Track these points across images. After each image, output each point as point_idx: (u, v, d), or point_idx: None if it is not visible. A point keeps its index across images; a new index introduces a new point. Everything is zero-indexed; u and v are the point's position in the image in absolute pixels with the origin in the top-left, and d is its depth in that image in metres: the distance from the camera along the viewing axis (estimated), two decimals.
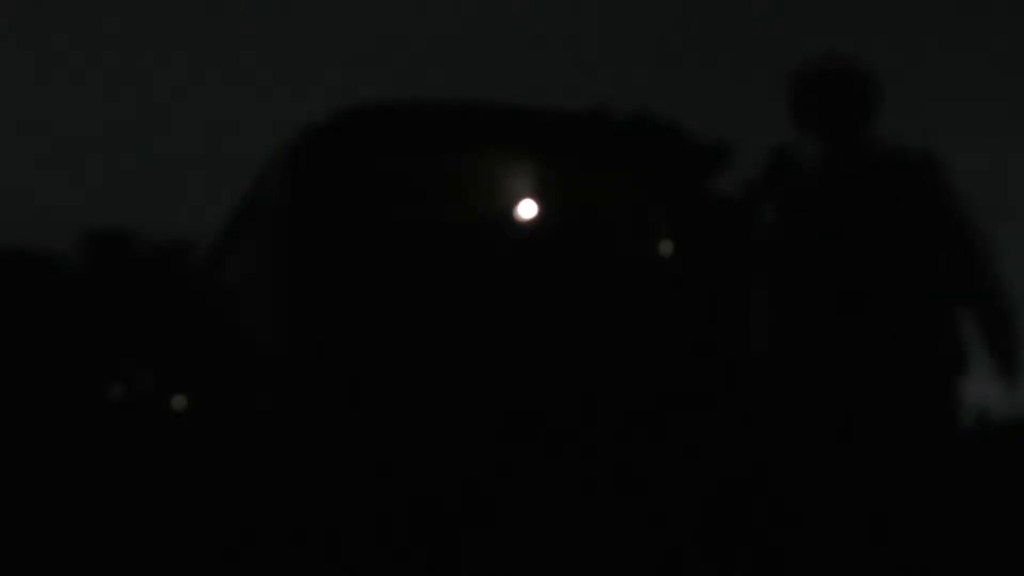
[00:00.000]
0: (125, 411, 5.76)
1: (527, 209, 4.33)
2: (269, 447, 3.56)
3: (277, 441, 3.50)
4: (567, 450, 3.32)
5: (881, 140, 3.91)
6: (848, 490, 3.63)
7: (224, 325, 4.41)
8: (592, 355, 3.53)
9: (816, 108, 3.85)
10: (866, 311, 3.72)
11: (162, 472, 4.47)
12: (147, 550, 4.25)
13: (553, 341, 3.58)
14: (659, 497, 3.32)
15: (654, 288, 3.59)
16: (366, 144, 3.96)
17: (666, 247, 3.95)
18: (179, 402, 4.86)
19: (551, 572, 3.21)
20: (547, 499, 3.25)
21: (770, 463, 3.61)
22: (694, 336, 3.68)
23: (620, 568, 3.24)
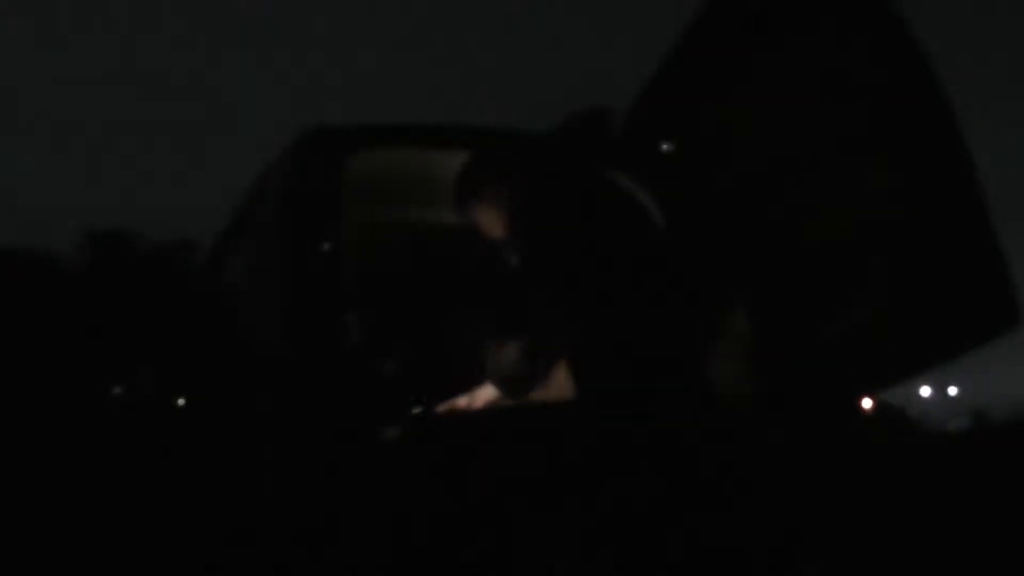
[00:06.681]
0: (125, 411, 5.77)
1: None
2: (269, 447, 3.56)
3: (277, 441, 3.51)
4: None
5: None
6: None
7: (224, 325, 4.42)
8: (592, 354, 3.53)
9: None
10: None
11: (162, 472, 4.48)
12: (147, 550, 4.26)
13: (553, 343, 3.58)
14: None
15: (653, 287, 3.59)
16: (367, 146, 3.97)
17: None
18: (179, 402, 4.87)
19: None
20: (550, 499, 3.25)
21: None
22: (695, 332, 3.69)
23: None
